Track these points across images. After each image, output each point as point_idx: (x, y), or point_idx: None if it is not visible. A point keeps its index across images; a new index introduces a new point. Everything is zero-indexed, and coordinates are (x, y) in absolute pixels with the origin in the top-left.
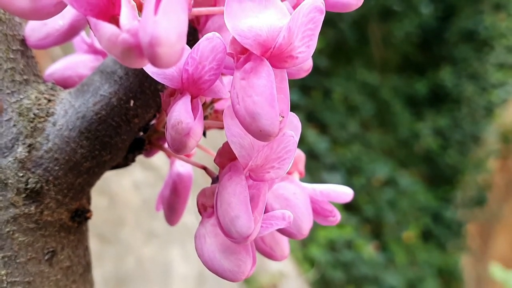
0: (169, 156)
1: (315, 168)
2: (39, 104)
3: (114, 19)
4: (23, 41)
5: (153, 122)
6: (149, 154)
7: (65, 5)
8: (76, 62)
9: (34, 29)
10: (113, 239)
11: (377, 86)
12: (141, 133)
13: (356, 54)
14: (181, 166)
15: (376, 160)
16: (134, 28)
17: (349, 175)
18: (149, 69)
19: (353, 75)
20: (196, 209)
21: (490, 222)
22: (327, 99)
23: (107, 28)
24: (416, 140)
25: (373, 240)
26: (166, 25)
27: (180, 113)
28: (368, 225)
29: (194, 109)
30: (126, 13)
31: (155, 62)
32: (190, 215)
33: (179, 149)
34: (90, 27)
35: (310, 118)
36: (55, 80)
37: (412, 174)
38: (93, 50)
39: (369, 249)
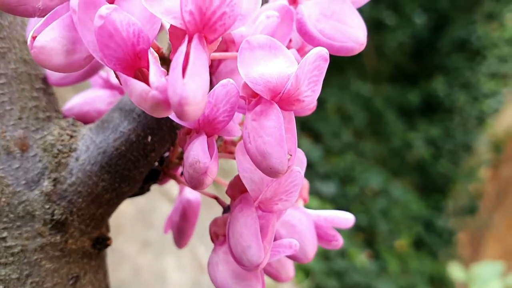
0: (179, 183)
1: (309, 177)
2: (62, 140)
3: (140, 71)
4: (44, 80)
5: (167, 154)
6: (162, 182)
7: (93, 58)
8: (93, 98)
9: None
10: (109, 248)
11: (370, 96)
12: (156, 164)
13: (349, 64)
14: (190, 193)
15: (369, 170)
16: (162, 85)
17: (343, 184)
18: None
19: (346, 85)
20: None
21: (481, 230)
22: (321, 109)
23: (138, 85)
24: (408, 150)
25: (366, 248)
26: (193, 87)
27: (198, 153)
28: (361, 234)
29: (209, 147)
30: (154, 71)
31: (182, 117)
32: None
33: (196, 186)
34: (119, 81)
35: (304, 127)
36: (74, 115)
37: (405, 183)
38: (109, 86)
39: (362, 258)
